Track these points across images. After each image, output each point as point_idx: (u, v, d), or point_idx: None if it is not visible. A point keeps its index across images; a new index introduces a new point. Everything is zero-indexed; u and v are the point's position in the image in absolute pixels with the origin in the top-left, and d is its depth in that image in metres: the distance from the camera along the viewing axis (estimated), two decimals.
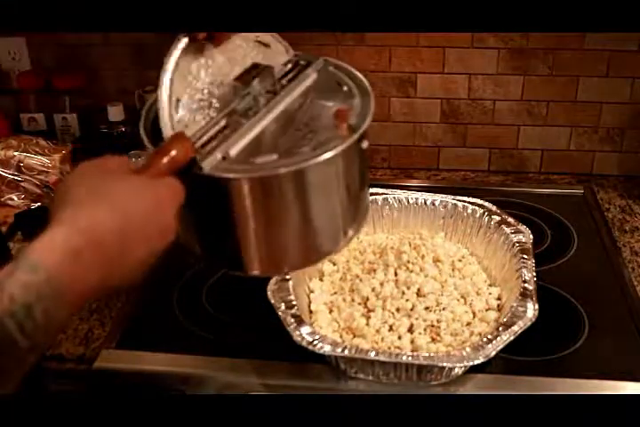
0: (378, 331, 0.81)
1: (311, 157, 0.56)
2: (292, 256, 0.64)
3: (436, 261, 0.93)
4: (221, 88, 0.63)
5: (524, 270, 0.85)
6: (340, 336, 0.82)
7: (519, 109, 1.26)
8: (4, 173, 1.16)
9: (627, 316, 0.90)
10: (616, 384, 0.78)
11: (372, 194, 0.95)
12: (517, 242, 0.90)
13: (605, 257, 1.03)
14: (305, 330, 0.75)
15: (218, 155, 0.56)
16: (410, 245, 0.94)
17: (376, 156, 1.31)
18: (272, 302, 0.80)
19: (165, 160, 0.54)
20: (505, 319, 0.77)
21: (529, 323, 0.76)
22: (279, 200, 0.59)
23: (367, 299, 0.86)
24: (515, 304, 0.79)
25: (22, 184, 1.17)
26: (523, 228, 0.93)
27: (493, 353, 0.73)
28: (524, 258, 0.87)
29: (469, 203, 0.98)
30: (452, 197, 0.99)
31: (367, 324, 0.82)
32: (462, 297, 0.87)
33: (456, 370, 0.76)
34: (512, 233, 0.92)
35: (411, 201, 1.00)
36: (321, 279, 0.92)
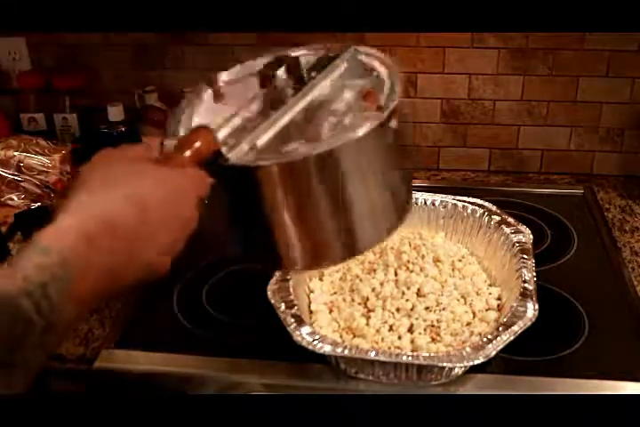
0: (378, 331, 0.81)
1: (340, 139, 0.55)
2: (329, 248, 0.62)
3: (436, 261, 0.93)
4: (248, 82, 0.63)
5: (524, 270, 0.85)
6: (340, 336, 0.82)
7: (519, 109, 1.26)
8: (3, 173, 1.16)
9: (627, 316, 0.90)
10: (616, 384, 0.78)
11: None
12: (517, 242, 0.90)
13: (605, 257, 1.03)
14: (305, 330, 0.75)
15: (244, 146, 0.55)
16: (410, 245, 0.94)
17: None
18: (272, 302, 0.80)
19: (188, 151, 0.53)
20: (505, 319, 0.77)
21: (529, 323, 0.76)
22: (311, 186, 0.57)
23: (367, 299, 0.86)
24: (515, 304, 0.79)
25: (22, 184, 1.17)
26: (523, 228, 0.93)
27: (493, 353, 0.73)
28: (523, 258, 0.87)
29: (469, 203, 0.98)
30: (452, 197, 0.99)
31: (367, 324, 0.82)
32: (462, 297, 0.87)
33: (456, 370, 0.76)
34: (512, 233, 0.92)
35: None
36: (321, 279, 0.92)
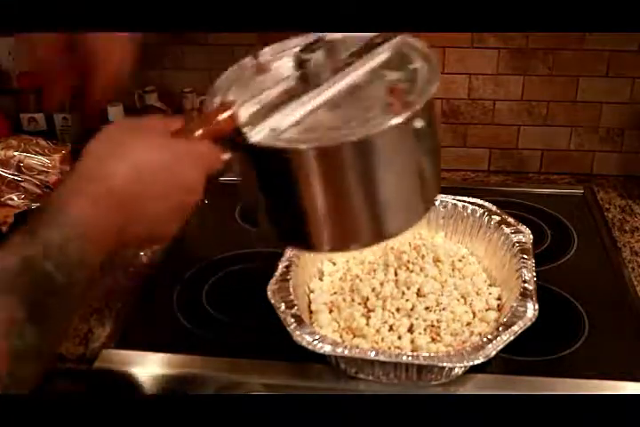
0: (378, 331, 0.81)
1: (374, 128, 0.54)
2: (358, 232, 0.62)
3: (436, 261, 0.93)
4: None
5: (524, 270, 0.85)
6: (340, 336, 0.82)
7: (519, 109, 1.26)
8: (3, 173, 1.16)
9: (627, 316, 0.90)
10: (616, 384, 0.78)
11: None
12: (517, 242, 0.90)
13: (605, 257, 1.03)
14: (305, 330, 0.75)
15: (267, 126, 0.55)
16: (410, 245, 0.94)
17: None
18: (272, 302, 0.80)
19: (205, 126, 0.55)
20: (505, 319, 0.77)
21: (529, 323, 0.76)
22: (342, 172, 0.57)
23: (367, 299, 0.86)
24: (515, 304, 0.79)
25: (22, 184, 1.17)
26: (523, 228, 0.93)
27: (493, 353, 0.73)
28: (524, 258, 0.87)
29: (469, 203, 0.98)
30: (452, 197, 0.99)
31: (367, 324, 0.82)
32: (462, 297, 0.87)
33: (456, 370, 0.76)
34: (512, 233, 0.92)
35: None
36: (321, 279, 0.92)
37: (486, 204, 0.98)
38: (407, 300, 0.85)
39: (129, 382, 0.82)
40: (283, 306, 0.79)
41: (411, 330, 0.82)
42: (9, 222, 1.10)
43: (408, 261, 0.91)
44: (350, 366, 0.78)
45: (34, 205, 1.15)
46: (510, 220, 0.95)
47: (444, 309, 0.84)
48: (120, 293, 0.96)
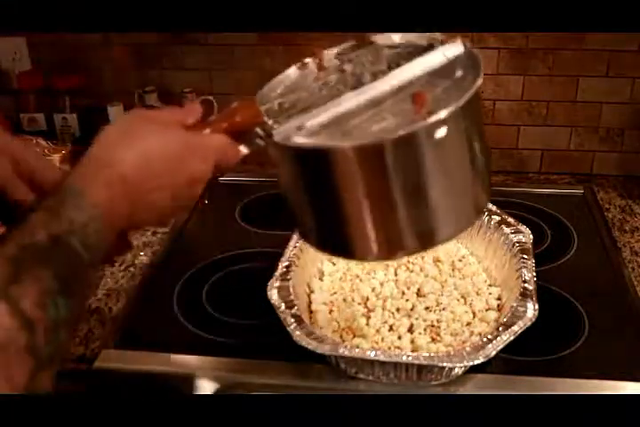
0: (378, 331, 0.81)
1: (417, 126, 0.51)
2: (404, 239, 0.58)
3: (436, 261, 0.93)
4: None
5: (524, 270, 0.85)
6: (340, 336, 0.82)
7: (519, 109, 1.26)
8: None
9: (627, 316, 0.90)
10: (616, 384, 0.78)
11: None
12: (517, 242, 0.90)
13: (605, 257, 1.03)
14: (305, 330, 0.75)
15: (293, 124, 0.54)
16: None
17: None
18: (272, 302, 0.80)
19: (224, 122, 0.55)
20: (505, 319, 0.77)
21: (529, 323, 0.76)
22: (383, 173, 0.54)
23: (367, 299, 0.86)
24: (515, 304, 0.79)
25: None
26: (523, 228, 0.93)
27: (493, 353, 0.73)
28: (524, 258, 0.87)
29: None
30: None
31: (367, 324, 0.82)
32: (462, 297, 0.87)
33: (456, 370, 0.76)
34: (512, 233, 0.92)
35: None
36: (321, 279, 0.92)
37: None
38: (407, 300, 0.85)
39: (129, 382, 0.82)
40: (283, 306, 0.79)
41: (411, 330, 0.82)
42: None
43: (408, 261, 0.91)
44: (350, 366, 0.78)
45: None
46: (510, 220, 0.95)
47: (443, 309, 0.84)
48: (120, 293, 0.96)
